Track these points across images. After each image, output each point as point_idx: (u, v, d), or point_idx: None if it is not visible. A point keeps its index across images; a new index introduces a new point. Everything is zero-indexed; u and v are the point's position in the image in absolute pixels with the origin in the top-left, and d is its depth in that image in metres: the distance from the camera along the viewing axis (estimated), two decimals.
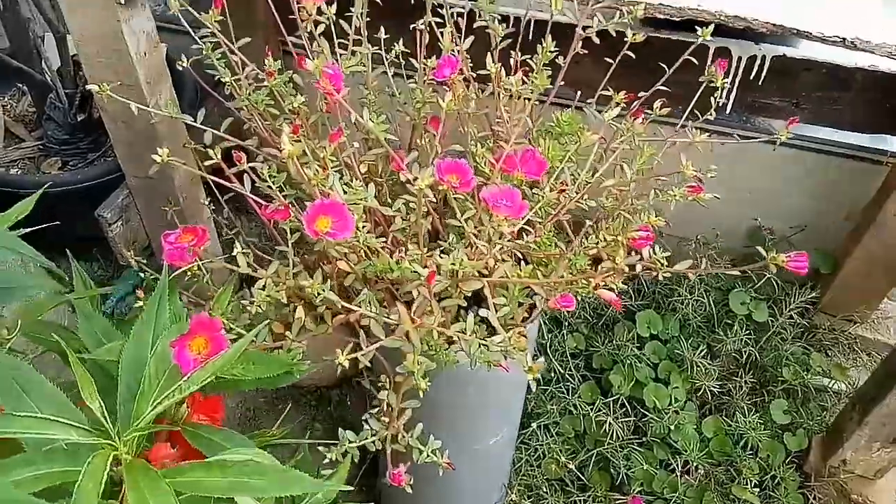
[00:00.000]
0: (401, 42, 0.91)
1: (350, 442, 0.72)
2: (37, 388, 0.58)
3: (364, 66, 0.83)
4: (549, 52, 0.85)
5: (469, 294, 0.74)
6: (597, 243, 0.77)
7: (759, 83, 1.34)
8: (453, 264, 0.70)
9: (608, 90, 0.86)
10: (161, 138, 1.27)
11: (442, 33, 0.79)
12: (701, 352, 1.40)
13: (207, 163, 0.78)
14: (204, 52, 0.90)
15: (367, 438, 0.72)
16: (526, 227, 0.76)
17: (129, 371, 0.61)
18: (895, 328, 1.50)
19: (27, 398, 0.57)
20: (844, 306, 1.49)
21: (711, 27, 0.80)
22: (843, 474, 1.25)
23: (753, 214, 1.55)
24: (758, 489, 1.29)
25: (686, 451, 1.32)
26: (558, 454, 1.34)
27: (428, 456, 0.71)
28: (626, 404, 1.37)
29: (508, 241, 0.72)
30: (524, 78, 0.85)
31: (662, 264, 0.82)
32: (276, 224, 0.76)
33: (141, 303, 0.88)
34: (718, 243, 1.52)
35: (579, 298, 0.77)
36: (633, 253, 0.78)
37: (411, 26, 0.86)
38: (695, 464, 1.31)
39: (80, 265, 1.76)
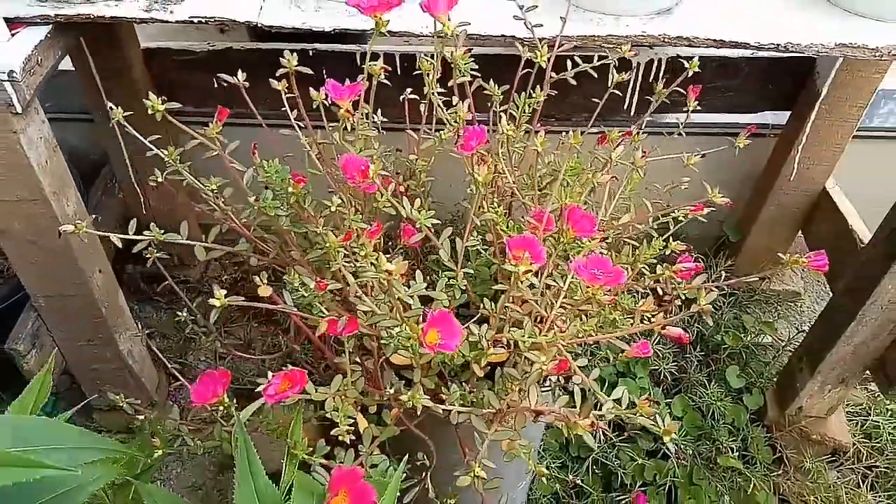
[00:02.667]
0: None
1: None
2: None
3: (369, 148, 0.78)
4: (538, 99, 0.86)
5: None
6: (656, 280, 0.79)
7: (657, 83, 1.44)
8: (530, 337, 0.68)
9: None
10: (76, 251, 1.12)
11: (445, 104, 0.77)
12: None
13: (263, 291, 0.69)
14: (168, 164, 0.81)
15: None
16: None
17: None
18: (799, 275, 1.68)
19: None
20: (755, 267, 1.64)
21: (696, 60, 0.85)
22: (802, 420, 1.39)
23: (658, 199, 1.66)
24: (736, 453, 1.39)
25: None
26: (549, 469, 1.36)
27: None
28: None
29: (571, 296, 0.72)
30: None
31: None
32: (328, 337, 0.70)
33: (157, 453, 0.78)
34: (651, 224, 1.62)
35: None
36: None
37: (401, 97, 0.83)
38: (677, 444, 1.39)
39: None
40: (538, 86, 0.91)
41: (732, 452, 1.38)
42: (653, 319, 0.72)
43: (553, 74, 0.90)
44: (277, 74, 0.75)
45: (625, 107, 1.49)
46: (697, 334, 1.53)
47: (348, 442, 0.65)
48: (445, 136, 0.75)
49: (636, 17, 1.01)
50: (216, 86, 1.44)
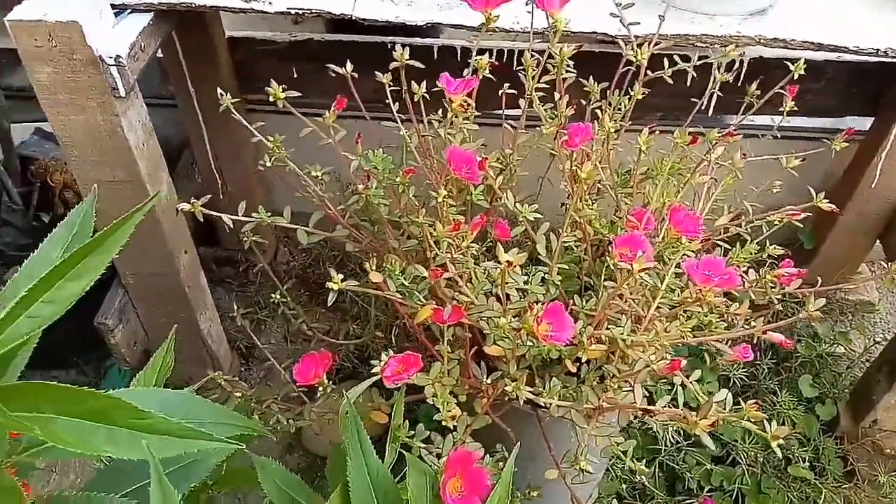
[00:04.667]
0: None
1: None
2: None
3: (473, 142, 0.79)
4: (636, 97, 0.86)
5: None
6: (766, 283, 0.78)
7: (738, 84, 1.42)
8: (629, 335, 0.68)
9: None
10: (166, 232, 1.16)
11: (540, 99, 0.78)
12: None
13: (374, 277, 0.71)
14: (272, 157, 0.83)
15: None
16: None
17: None
18: (873, 285, 1.64)
19: None
20: (828, 275, 1.60)
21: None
22: (876, 433, 1.35)
23: (732, 202, 1.64)
24: (806, 463, 1.37)
25: (737, 443, 1.38)
26: (613, 471, 1.36)
27: None
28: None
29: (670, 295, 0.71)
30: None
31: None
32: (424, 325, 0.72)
33: None
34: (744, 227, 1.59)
35: None
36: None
37: (500, 92, 0.83)
38: (746, 452, 1.37)
39: (53, 376, 1.59)
40: (632, 84, 0.91)
41: (803, 462, 1.36)
42: (753, 324, 0.72)
43: (649, 73, 0.90)
44: (391, 67, 0.77)
45: (703, 107, 1.47)
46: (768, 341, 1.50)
47: (452, 427, 0.66)
48: (548, 132, 0.76)
49: (731, 17, 1.00)
50: (295, 75, 1.47)
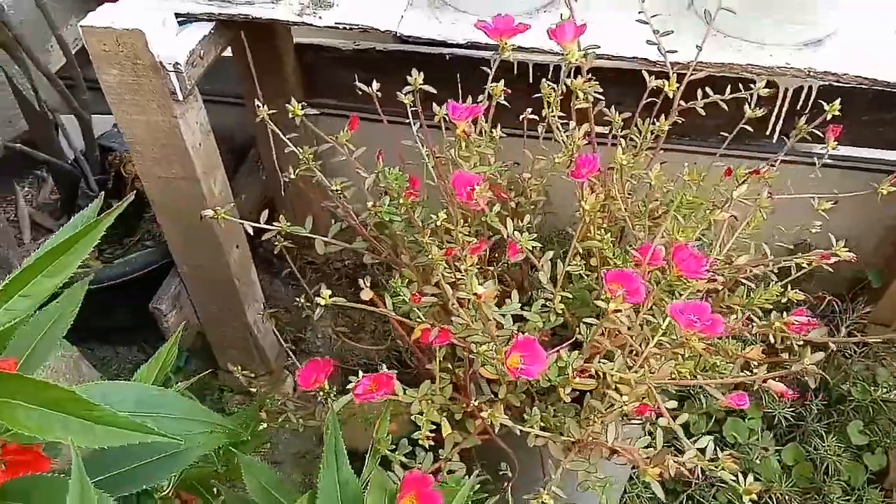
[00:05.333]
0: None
1: None
2: None
3: (487, 165, 0.81)
4: (662, 127, 0.85)
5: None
6: (741, 321, 0.76)
7: (806, 111, 1.36)
8: (619, 371, 0.68)
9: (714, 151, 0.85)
10: (218, 227, 1.23)
11: (560, 125, 0.78)
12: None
13: (365, 294, 0.75)
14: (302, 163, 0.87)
15: None
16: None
17: None
18: None
19: None
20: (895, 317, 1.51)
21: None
22: None
23: (800, 234, 1.57)
24: None
25: (773, 483, 1.32)
26: (645, 501, 1.34)
27: None
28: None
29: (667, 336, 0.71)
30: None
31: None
32: (426, 344, 0.74)
33: (263, 425, 0.85)
34: (770, 267, 1.53)
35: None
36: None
37: (521, 117, 0.84)
38: (783, 495, 1.32)
39: (119, 352, 1.71)
40: (664, 112, 0.89)
41: None
42: (756, 370, 0.70)
43: (682, 103, 0.88)
44: (405, 91, 0.79)
45: (767, 132, 1.42)
46: (821, 381, 1.43)
47: (427, 446, 0.68)
48: (560, 160, 0.76)
49: (782, 47, 0.96)
50: (356, 82, 1.52)
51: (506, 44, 0.70)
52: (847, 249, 0.81)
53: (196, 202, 1.18)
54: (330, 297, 0.67)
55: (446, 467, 0.72)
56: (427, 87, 0.77)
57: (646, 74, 0.84)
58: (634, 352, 0.72)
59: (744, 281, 0.87)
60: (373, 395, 0.64)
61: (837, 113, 0.88)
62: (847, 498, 1.32)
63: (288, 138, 0.91)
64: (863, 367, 1.45)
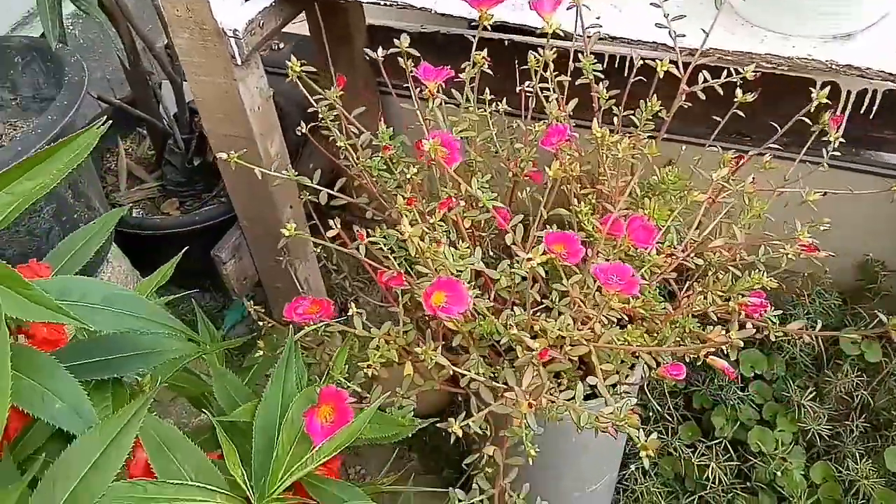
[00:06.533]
0: (504, 101, 0.94)
1: (459, 501, 0.75)
2: (182, 450, 0.64)
3: (473, 131, 0.86)
4: (652, 109, 0.86)
5: (575, 358, 0.75)
6: (706, 303, 0.77)
7: (871, 117, 1.29)
8: (560, 330, 0.71)
9: (715, 146, 0.85)
10: (271, 185, 1.34)
11: (547, 97, 0.82)
12: (809, 393, 1.35)
13: (330, 233, 0.83)
14: (322, 119, 0.95)
15: (475, 498, 0.75)
16: None
17: (263, 434, 0.66)
18: None
19: (175, 460, 0.62)
20: None
21: (827, 89, 0.79)
22: None
23: (864, 249, 1.49)
24: None
25: (793, 499, 1.28)
26: (658, 497, 1.33)
27: None
28: (729, 447, 1.34)
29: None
30: (628, 134, 0.86)
31: (774, 324, 0.82)
32: (391, 288, 0.80)
33: (260, 351, 0.94)
34: (827, 279, 1.47)
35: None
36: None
37: (517, 88, 0.89)
38: None
39: (193, 297, 1.88)
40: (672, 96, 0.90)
41: None
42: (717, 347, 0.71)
43: (686, 87, 0.89)
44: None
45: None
46: (863, 402, 1.36)
47: (372, 375, 0.74)
48: (540, 129, 0.80)
49: (808, 39, 0.94)
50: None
51: (485, 13, 0.75)
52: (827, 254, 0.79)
53: (253, 161, 1.30)
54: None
55: (398, 402, 0.78)
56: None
57: (635, 55, 0.85)
58: (586, 316, 0.75)
59: (731, 267, 0.86)
60: (311, 317, 0.71)
61: None
62: None
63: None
64: None
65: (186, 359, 0.81)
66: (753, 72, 0.82)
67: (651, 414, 1.41)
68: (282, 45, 1.89)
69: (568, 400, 0.66)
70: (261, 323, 1.00)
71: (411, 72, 0.84)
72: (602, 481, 1.07)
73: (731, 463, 1.33)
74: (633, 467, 1.35)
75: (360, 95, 1.51)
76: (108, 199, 1.63)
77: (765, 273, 0.80)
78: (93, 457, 0.56)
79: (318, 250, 1.43)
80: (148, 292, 0.77)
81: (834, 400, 1.39)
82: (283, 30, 2.01)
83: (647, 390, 1.43)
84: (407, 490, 0.90)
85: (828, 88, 0.80)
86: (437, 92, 0.84)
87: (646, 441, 0.62)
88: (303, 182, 0.93)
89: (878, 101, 1.27)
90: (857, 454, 1.31)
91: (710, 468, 1.30)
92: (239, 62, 1.17)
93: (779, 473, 1.30)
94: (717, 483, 1.31)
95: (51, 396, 0.58)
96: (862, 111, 1.29)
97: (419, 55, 1.60)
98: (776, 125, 0.85)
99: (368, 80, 1.60)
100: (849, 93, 1.29)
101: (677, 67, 0.88)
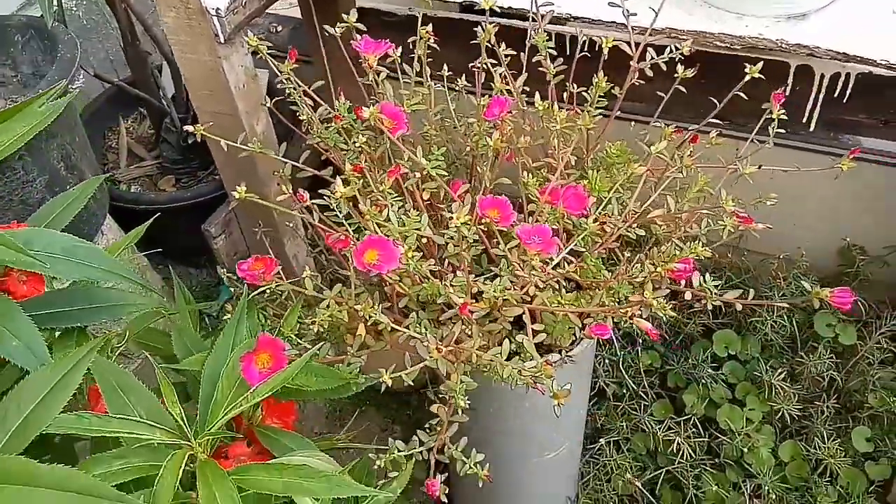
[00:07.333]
0: (463, 77, 0.98)
1: (399, 451, 0.79)
2: (136, 394, 0.68)
3: (425, 104, 0.90)
4: (603, 85, 0.89)
5: (512, 319, 0.79)
6: (642, 272, 0.80)
7: (844, 100, 1.31)
8: (494, 291, 0.75)
9: (658, 122, 0.88)
10: (259, 163, 1.39)
11: (494, 73, 0.85)
12: (781, 374, 1.37)
13: (280, 197, 0.87)
14: (287, 93, 1.00)
15: (414, 449, 0.79)
16: (570, 256, 0.80)
17: (209, 381, 0.71)
18: None
19: (128, 403, 0.67)
20: None
21: (760, 64, 0.81)
22: None
23: (843, 233, 1.50)
24: None
25: (760, 475, 1.30)
26: (628, 471, 1.36)
27: (470, 468, 0.77)
28: (699, 424, 1.37)
29: (554, 268, 0.76)
30: (577, 110, 0.90)
31: (712, 293, 0.84)
32: (340, 250, 0.84)
33: (228, 316, 0.99)
34: (804, 262, 1.48)
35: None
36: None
37: (470, 65, 0.92)
38: (767, 488, 1.29)
39: (191, 273, 1.94)
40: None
41: None
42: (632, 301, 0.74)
43: (637, 65, 0.92)
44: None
45: (804, 120, 1.37)
46: (833, 384, 1.38)
47: (314, 334, 0.78)
48: (484, 103, 0.83)
49: (762, 19, 0.97)
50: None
51: None
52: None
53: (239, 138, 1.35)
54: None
55: (348, 360, 0.82)
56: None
57: (574, 30, 0.88)
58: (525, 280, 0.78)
59: (677, 241, 0.89)
60: (254, 273, 0.76)
61: None
62: (841, 503, 1.27)
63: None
64: (889, 376, 1.38)
65: (155, 317, 0.86)
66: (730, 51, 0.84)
67: (625, 391, 1.44)
68: (279, 28, 1.94)
69: (495, 355, 0.70)
70: (232, 290, 1.05)
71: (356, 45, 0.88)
72: (560, 450, 1.10)
73: (701, 440, 1.36)
74: (603, 441, 1.38)
75: (347, 76, 1.54)
76: (108, 176, 1.70)
77: (702, 244, 0.83)
78: (43, 391, 0.61)
79: (305, 227, 1.48)
80: (118, 252, 0.82)
81: (807, 381, 1.40)
82: (283, 14, 2.07)
83: (622, 368, 1.46)
84: (365, 448, 0.94)
85: (760, 64, 0.82)
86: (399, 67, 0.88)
87: (558, 391, 0.66)
88: (267, 153, 0.97)
89: (850, 86, 1.28)
90: (826, 434, 1.33)
91: (677, 443, 1.33)
92: (222, 40, 1.21)
93: (746, 450, 1.32)
94: (686, 458, 1.34)
95: (8, 335, 0.64)
96: (836, 95, 1.31)
97: (406, 36, 1.65)
98: (716, 101, 0.87)
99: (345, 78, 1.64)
100: (822, 76, 1.30)
101: (635, 48, 0.91)
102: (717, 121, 0.88)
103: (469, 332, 0.73)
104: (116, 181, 1.69)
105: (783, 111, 0.88)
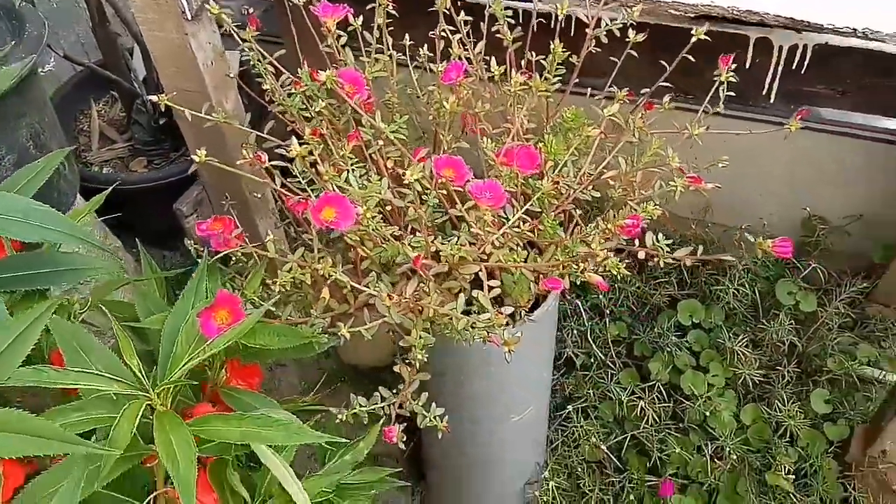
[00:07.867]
0: (425, 47, 1.00)
1: (361, 406, 0.81)
2: (95, 350, 0.70)
3: (386, 71, 0.91)
4: (560, 52, 0.91)
5: (471, 278, 0.81)
6: (594, 230, 0.82)
7: (802, 72, 1.34)
8: (451, 249, 0.77)
9: (613, 87, 0.91)
10: (228, 139, 1.40)
11: (451, 39, 0.87)
12: (743, 341, 1.41)
13: (240, 161, 0.89)
14: (251, 63, 1.01)
15: (376, 404, 0.81)
16: (526, 216, 0.82)
17: (169, 338, 0.72)
18: None
19: (86, 357, 0.69)
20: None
21: (706, 26, 0.84)
22: (882, 464, 1.24)
23: (805, 204, 1.54)
24: (794, 477, 1.29)
25: (722, 438, 1.34)
26: (594, 436, 1.39)
27: (430, 421, 0.80)
28: (664, 391, 1.40)
29: (511, 228, 0.79)
30: (535, 75, 0.92)
31: (664, 251, 0.87)
32: (301, 213, 0.86)
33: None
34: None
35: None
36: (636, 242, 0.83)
37: (430, 33, 0.94)
38: (729, 450, 1.33)
39: (165, 255, 1.94)
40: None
41: (788, 474, 1.29)
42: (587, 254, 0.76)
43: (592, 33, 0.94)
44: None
45: (763, 92, 1.40)
46: (793, 350, 1.42)
47: (269, 296, 0.80)
48: (439, 70, 0.85)
49: None
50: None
51: None
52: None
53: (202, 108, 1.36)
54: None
55: (311, 322, 0.84)
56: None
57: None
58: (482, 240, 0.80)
59: (631, 203, 0.92)
60: (214, 233, 0.78)
61: None
62: (802, 463, 1.31)
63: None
64: (847, 341, 1.42)
65: (120, 283, 0.88)
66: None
67: (593, 361, 1.47)
68: (251, 11, 1.94)
69: (451, 309, 0.73)
70: (199, 259, 1.06)
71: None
72: (526, 412, 1.13)
73: (666, 405, 1.39)
74: (570, 408, 1.41)
75: (315, 54, 1.55)
76: (80, 159, 1.70)
77: (653, 204, 0.85)
78: (1, 347, 0.63)
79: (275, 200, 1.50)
80: (80, 217, 0.84)
81: (769, 347, 1.44)
82: None
83: (590, 339, 1.49)
84: (331, 410, 0.96)
85: (706, 26, 0.85)
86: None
87: (508, 338, 0.68)
88: (232, 123, 0.98)
89: (808, 56, 1.31)
90: (787, 397, 1.36)
91: (642, 409, 1.36)
92: (189, 17, 1.22)
93: (708, 414, 1.36)
94: (650, 423, 1.37)
95: None
96: (794, 67, 1.34)
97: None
98: (666, 65, 0.89)
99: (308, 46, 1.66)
100: (781, 48, 1.33)
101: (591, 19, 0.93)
102: (668, 84, 0.90)
103: (427, 290, 0.75)
104: (88, 163, 1.70)
105: (734, 76, 0.91)
